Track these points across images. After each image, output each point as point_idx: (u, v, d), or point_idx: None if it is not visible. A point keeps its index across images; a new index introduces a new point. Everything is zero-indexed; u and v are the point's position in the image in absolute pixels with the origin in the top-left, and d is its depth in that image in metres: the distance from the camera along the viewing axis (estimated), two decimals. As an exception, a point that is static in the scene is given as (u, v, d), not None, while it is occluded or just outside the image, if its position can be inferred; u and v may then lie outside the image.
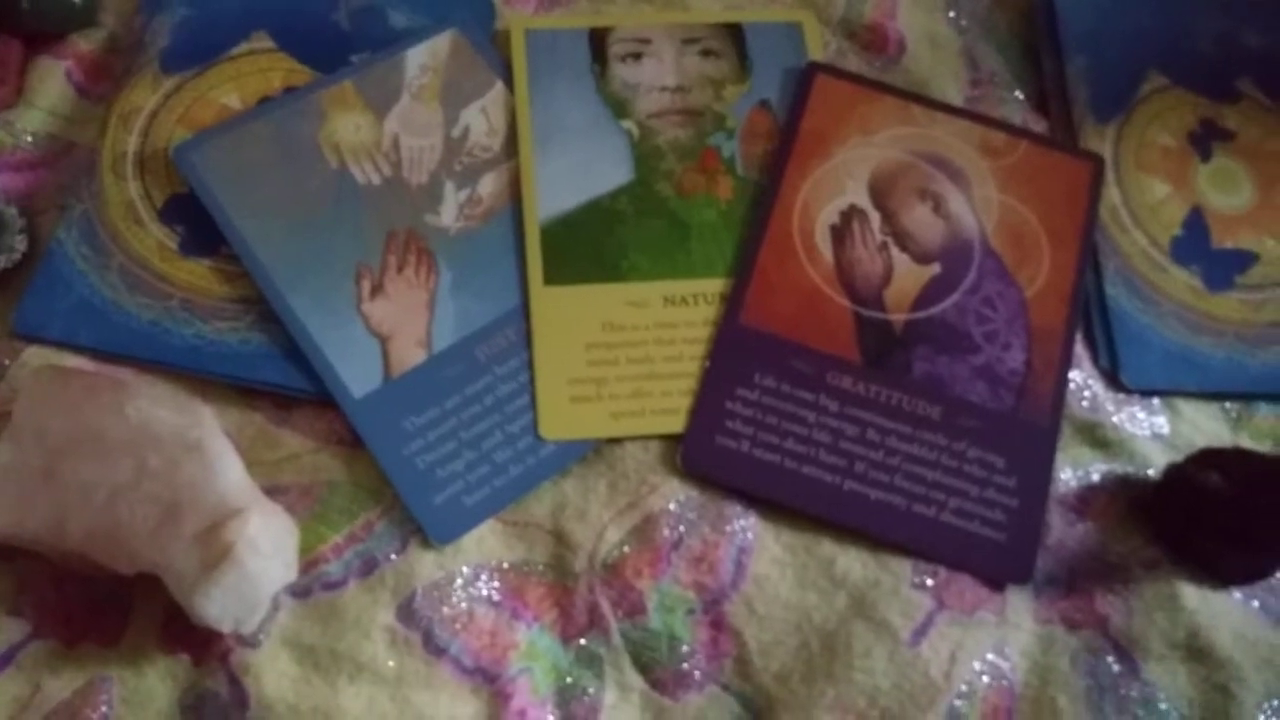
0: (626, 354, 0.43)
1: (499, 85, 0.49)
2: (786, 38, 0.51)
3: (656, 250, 0.45)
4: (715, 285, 0.45)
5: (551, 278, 0.44)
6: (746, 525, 0.41)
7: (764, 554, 0.41)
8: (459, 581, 0.39)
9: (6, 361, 0.42)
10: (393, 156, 0.46)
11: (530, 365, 0.43)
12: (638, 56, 0.49)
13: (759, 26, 0.51)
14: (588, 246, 0.45)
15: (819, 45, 0.51)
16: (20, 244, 0.44)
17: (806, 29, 0.51)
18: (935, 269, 0.46)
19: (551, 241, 0.45)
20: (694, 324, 0.44)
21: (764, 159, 0.47)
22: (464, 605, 0.39)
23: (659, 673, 0.39)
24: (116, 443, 0.36)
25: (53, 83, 0.48)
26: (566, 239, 0.45)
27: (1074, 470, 0.43)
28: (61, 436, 0.36)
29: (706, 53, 0.50)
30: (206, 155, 0.45)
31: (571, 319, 0.44)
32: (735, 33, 0.51)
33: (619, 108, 0.48)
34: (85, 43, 0.49)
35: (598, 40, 0.50)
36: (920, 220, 0.47)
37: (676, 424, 0.42)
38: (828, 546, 0.41)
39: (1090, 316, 0.47)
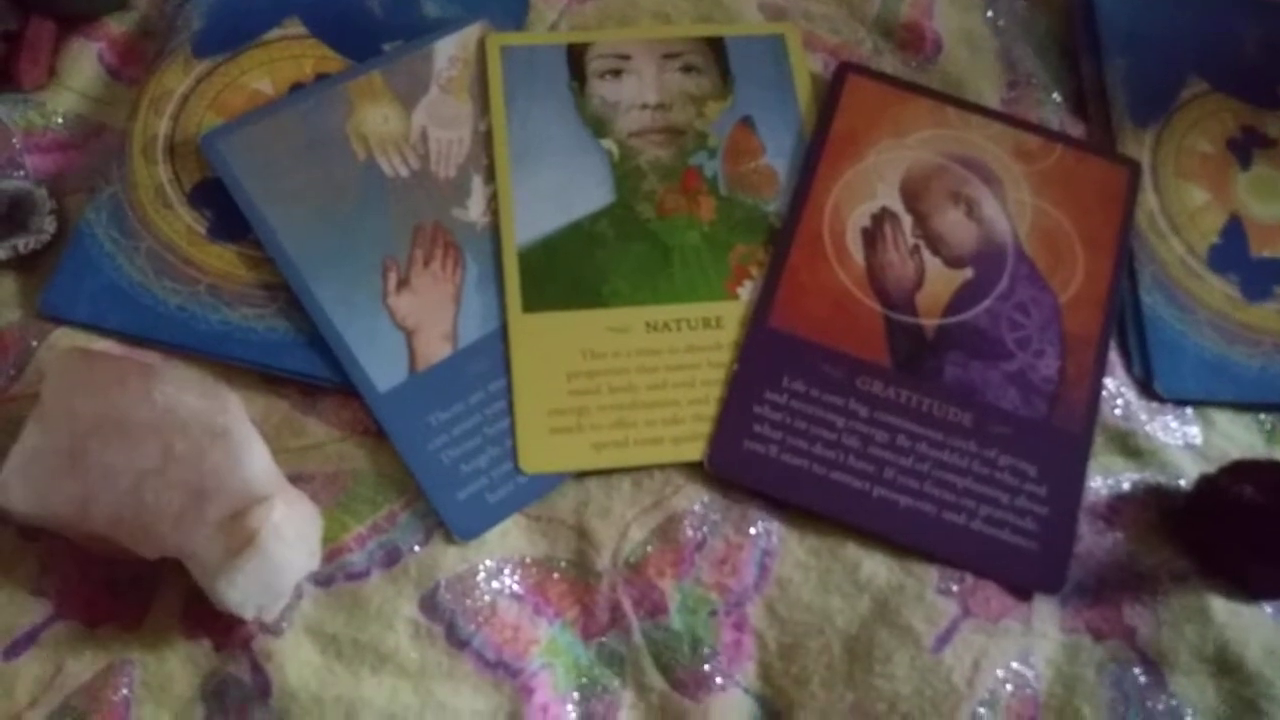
0: (608, 382, 0.42)
1: (530, 77, 0.48)
2: (769, 51, 0.49)
3: (638, 274, 0.44)
4: (698, 310, 0.44)
5: (530, 304, 0.43)
6: (770, 528, 0.41)
7: (788, 557, 0.40)
8: (482, 575, 0.39)
9: (34, 343, 0.42)
10: (420, 149, 0.46)
11: (509, 395, 0.42)
12: (617, 73, 0.48)
13: (741, 40, 0.49)
14: (567, 271, 0.44)
15: (801, 58, 0.49)
16: (49, 225, 0.44)
17: (789, 41, 0.49)
18: (968, 273, 0.45)
19: (530, 267, 0.44)
20: (677, 350, 0.43)
21: (747, 178, 0.46)
22: (487, 599, 0.39)
23: (679, 673, 0.38)
24: (143, 427, 0.36)
25: (85, 64, 0.48)
26: (545, 264, 0.44)
27: (1105, 479, 0.43)
28: (88, 420, 0.36)
29: (688, 68, 0.48)
30: (234, 145, 0.45)
31: (551, 347, 0.42)
32: (717, 47, 0.49)
33: (598, 126, 0.47)
34: (118, 25, 0.49)
35: (576, 56, 0.48)
36: (953, 224, 0.46)
37: (661, 454, 0.41)
38: (853, 550, 0.40)
39: (1125, 324, 0.46)
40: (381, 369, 0.42)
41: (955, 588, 0.40)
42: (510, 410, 0.42)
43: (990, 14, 0.53)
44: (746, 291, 0.44)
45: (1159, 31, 0.52)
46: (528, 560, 0.40)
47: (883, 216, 0.46)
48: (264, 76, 0.47)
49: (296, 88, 0.47)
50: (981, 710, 0.38)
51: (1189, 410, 0.45)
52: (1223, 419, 0.45)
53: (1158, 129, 0.50)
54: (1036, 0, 0.54)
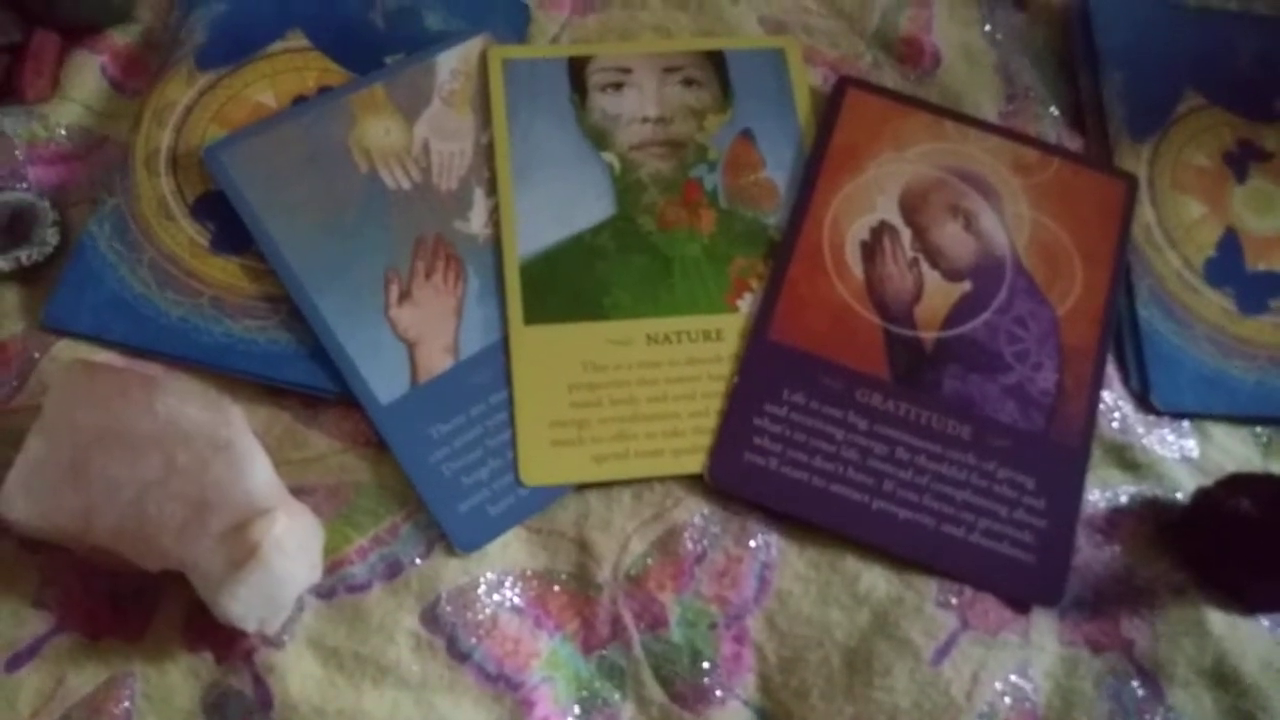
0: (609, 395, 0.42)
1: (531, 90, 0.49)
2: (769, 65, 0.49)
3: (639, 287, 0.44)
4: (698, 322, 0.44)
5: (532, 317, 0.43)
6: (770, 540, 0.41)
7: (787, 569, 0.40)
8: (483, 587, 0.39)
9: (37, 354, 0.42)
10: (423, 161, 0.46)
11: (510, 407, 0.42)
12: (618, 86, 0.48)
13: (741, 54, 0.49)
14: (568, 284, 0.44)
15: (801, 72, 0.49)
16: (52, 237, 0.44)
17: (789, 55, 0.50)
18: (966, 286, 0.45)
19: (531, 279, 0.44)
20: (677, 363, 0.43)
21: (747, 190, 0.46)
22: (488, 611, 0.39)
23: (679, 686, 0.39)
24: (145, 439, 0.36)
25: (88, 76, 0.48)
26: (547, 276, 0.44)
27: (1102, 492, 0.43)
28: (91, 431, 0.36)
29: (688, 82, 0.48)
30: (236, 157, 0.45)
31: (552, 359, 0.43)
32: (717, 60, 0.49)
33: (599, 139, 0.47)
34: (121, 37, 0.50)
35: (577, 70, 0.49)
36: (951, 237, 0.46)
37: (661, 467, 0.41)
38: (852, 563, 0.41)
39: (1122, 337, 0.46)
40: (383, 381, 0.42)
41: (954, 600, 0.40)
42: (511, 422, 0.42)
43: (988, 28, 0.53)
44: (746, 304, 0.45)
45: (1156, 46, 0.52)
46: (528, 573, 0.40)
47: (882, 230, 0.46)
48: (267, 89, 0.47)
49: (299, 100, 0.47)
50: (980, 722, 0.38)
51: (1186, 423, 0.45)
52: (1219, 432, 0.45)
53: (1154, 142, 0.50)
54: (1034, 14, 0.54)
